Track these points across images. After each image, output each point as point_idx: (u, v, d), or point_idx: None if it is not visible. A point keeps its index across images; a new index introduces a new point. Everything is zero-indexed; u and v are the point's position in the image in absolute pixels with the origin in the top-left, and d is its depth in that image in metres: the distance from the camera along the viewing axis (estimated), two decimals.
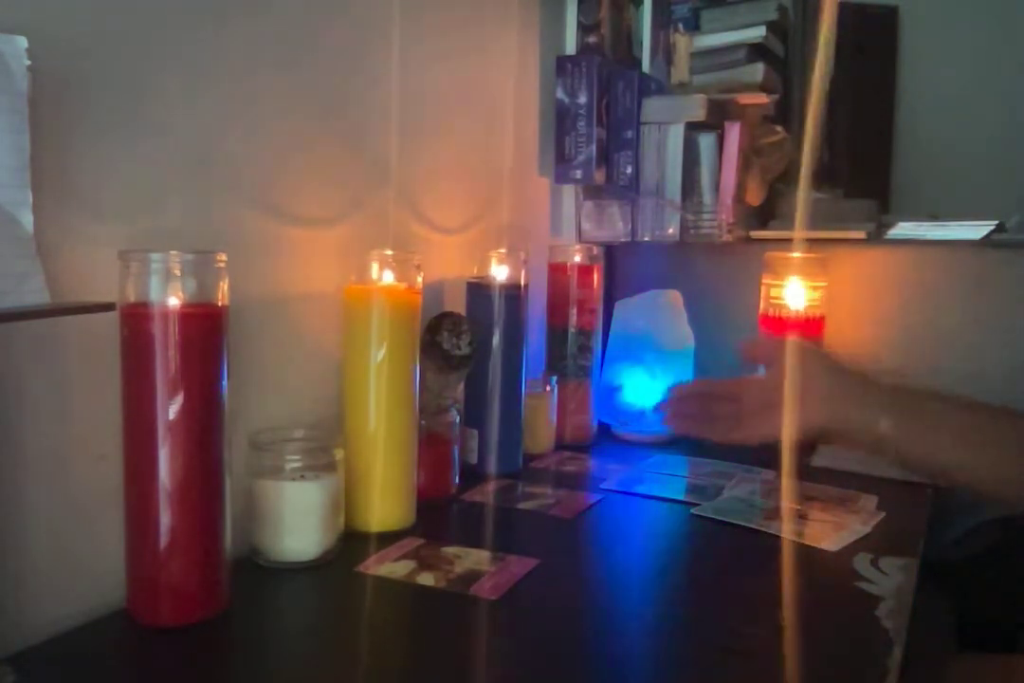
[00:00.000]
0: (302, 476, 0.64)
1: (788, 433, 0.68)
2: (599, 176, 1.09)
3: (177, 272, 0.52)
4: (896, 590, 0.63)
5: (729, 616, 0.59)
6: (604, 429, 1.08)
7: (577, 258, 1.02)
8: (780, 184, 1.28)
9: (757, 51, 1.18)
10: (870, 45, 1.64)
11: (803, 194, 1.14)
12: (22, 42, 0.46)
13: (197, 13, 0.60)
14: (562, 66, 1.07)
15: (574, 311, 1.02)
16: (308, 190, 0.72)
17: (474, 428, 0.87)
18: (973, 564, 0.84)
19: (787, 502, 0.82)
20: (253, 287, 0.66)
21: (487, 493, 0.83)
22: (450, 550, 0.67)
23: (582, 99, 1.06)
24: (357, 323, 0.70)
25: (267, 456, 0.64)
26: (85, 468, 0.55)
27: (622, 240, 1.12)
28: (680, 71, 1.20)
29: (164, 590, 0.53)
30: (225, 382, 0.54)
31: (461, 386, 0.85)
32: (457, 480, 0.82)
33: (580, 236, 1.15)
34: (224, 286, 0.54)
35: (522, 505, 0.80)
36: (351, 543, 0.67)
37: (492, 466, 0.87)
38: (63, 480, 0.54)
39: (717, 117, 1.11)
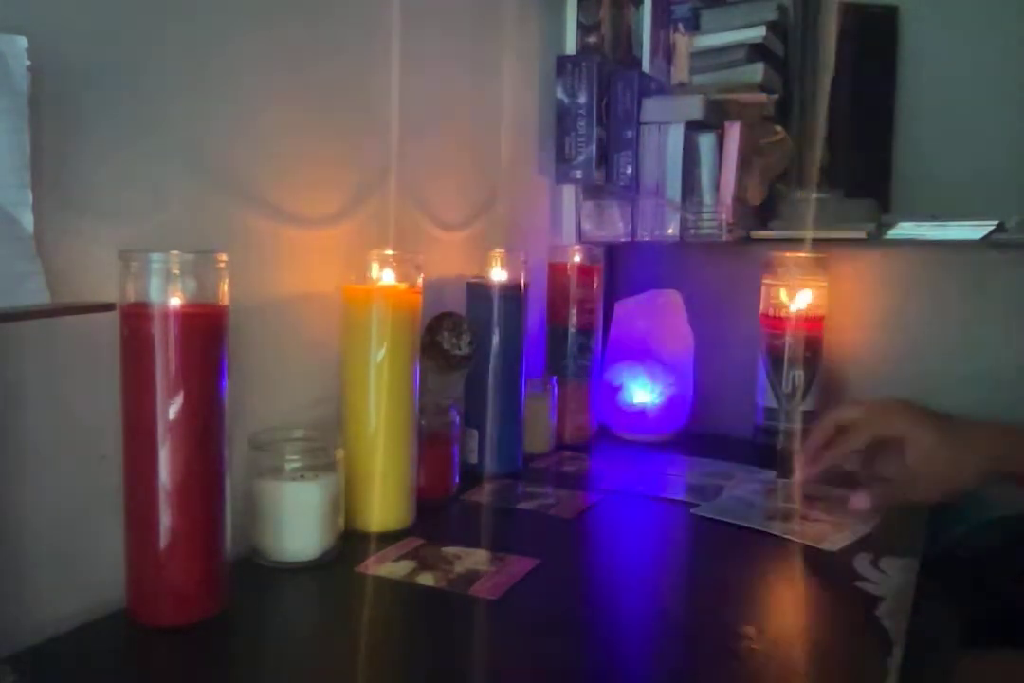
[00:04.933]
0: (302, 476, 0.64)
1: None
2: (599, 176, 1.09)
3: (177, 272, 0.52)
4: (896, 590, 0.63)
5: (728, 616, 0.59)
6: (604, 429, 1.08)
7: (577, 258, 1.02)
8: (780, 184, 1.28)
9: (757, 51, 1.18)
10: (870, 45, 1.64)
11: (805, 194, 1.14)
12: (22, 42, 0.46)
13: (197, 13, 0.60)
14: (562, 66, 1.07)
15: (574, 311, 1.02)
16: (308, 190, 0.72)
17: (474, 428, 0.87)
18: (979, 562, 0.84)
19: (787, 502, 0.82)
20: (253, 287, 0.66)
21: (487, 493, 0.83)
22: (450, 550, 0.67)
23: (582, 99, 1.06)
24: (357, 323, 0.70)
25: (267, 456, 0.64)
26: (85, 468, 0.55)
27: (622, 240, 1.12)
28: (680, 71, 1.20)
29: (164, 590, 0.53)
30: (225, 382, 0.54)
31: (461, 386, 0.85)
32: (457, 480, 0.82)
33: (580, 236, 1.15)
34: (224, 286, 0.54)
35: (522, 505, 0.80)
36: (351, 543, 0.67)
37: (492, 466, 0.87)
38: (63, 480, 0.54)
39: (717, 117, 1.11)
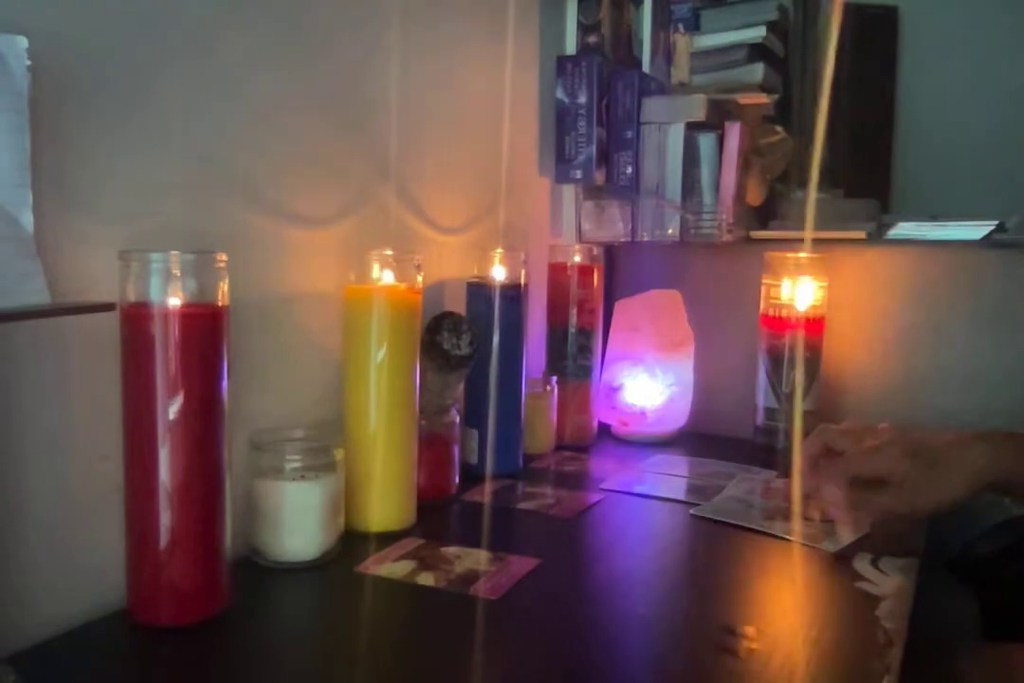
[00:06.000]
0: (302, 476, 0.64)
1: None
2: (599, 176, 1.09)
3: (177, 272, 0.52)
4: (896, 590, 0.63)
5: (728, 616, 0.59)
6: (604, 429, 1.08)
7: (577, 258, 1.02)
8: (780, 184, 1.28)
9: (757, 51, 1.18)
10: (870, 45, 1.64)
11: (807, 194, 1.14)
12: (22, 42, 0.46)
13: (197, 13, 0.60)
14: (562, 66, 1.07)
15: (574, 311, 1.02)
16: (308, 190, 0.72)
17: (474, 428, 0.87)
18: (1000, 558, 0.85)
19: (786, 502, 0.82)
20: (253, 287, 0.66)
21: (487, 493, 0.83)
22: (450, 550, 0.67)
23: (582, 99, 1.06)
24: (357, 323, 0.70)
25: (267, 456, 0.64)
26: (85, 468, 0.55)
27: (622, 240, 1.12)
28: (680, 71, 1.20)
29: (164, 590, 0.53)
30: (225, 382, 0.54)
31: (461, 386, 0.85)
32: (457, 480, 0.82)
33: (580, 236, 1.15)
34: (224, 286, 0.54)
35: (522, 505, 0.80)
36: (351, 543, 0.67)
37: (492, 466, 0.87)
38: (63, 480, 0.54)
39: (717, 117, 1.10)
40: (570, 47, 1.11)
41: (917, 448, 0.71)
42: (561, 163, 1.09)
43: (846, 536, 0.72)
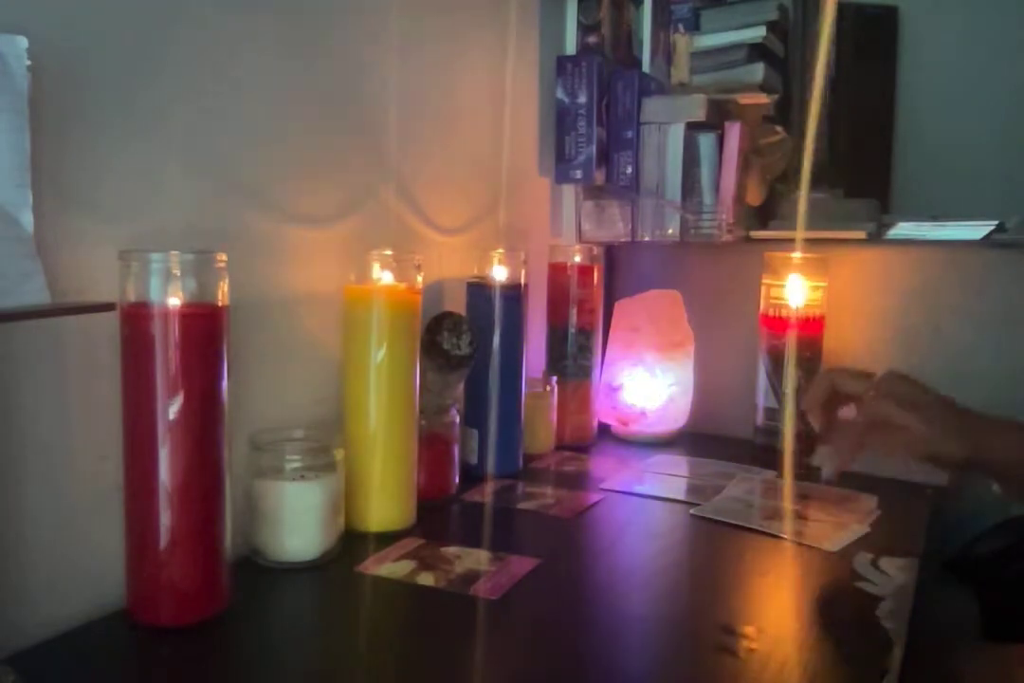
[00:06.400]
0: (302, 476, 0.64)
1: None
2: (599, 176, 1.09)
3: (177, 272, 0.52)
4: (896, 590, 0.63)
5: (728, 616, 0.59)
6: (604, 429, 1.08)
7: (577, 258, 1.02)
8: (780, 184, 1.28)
9: (757, 51, 1.18)
10: (870, 45, 1.64)
11: (803, 194, 1.13)
12: (22, 42, 0.46)
13: (197, 13, 0.60)
14: (562, 66, 1.07)
15: (574, 311, 1.02)
16: (308, 190, 0.72)
17: (474, 428, 0.87)
18: (1000, 558, 0.85)
19: (786, 502, 0.82)
20: (253, 287, 0.66)
21: (487, 493, 0.83)
22: (450, 550, 0.67)
23: (582, 99, 1.06)
24: (357, 323, 0.70)
25: (267, 456, 0.64)
26: (85, 468, 0.55)
27: (622, 240, 1.12)
28: (680, 71, 1.20)
29: (164, 590, 0.53)
30: (225, 382, 0.54)
31: (461, 386, 0.85)
32: (457, 480, 0.82)
33: (580, 236, 1.15)
34: (224, 286, 0.54)
35: (522, 505, 0.80)
36: (351, 543, 0.67)
37: (492, 466, 0.87)
38: (63, 480, 0.54)
39: (717, 117, 1.11)
40: (570, 47, 1.11)
41: (923, 402, 0.69)
42: (561, 163, 1.09)
43: (848, 533, 0.72)
